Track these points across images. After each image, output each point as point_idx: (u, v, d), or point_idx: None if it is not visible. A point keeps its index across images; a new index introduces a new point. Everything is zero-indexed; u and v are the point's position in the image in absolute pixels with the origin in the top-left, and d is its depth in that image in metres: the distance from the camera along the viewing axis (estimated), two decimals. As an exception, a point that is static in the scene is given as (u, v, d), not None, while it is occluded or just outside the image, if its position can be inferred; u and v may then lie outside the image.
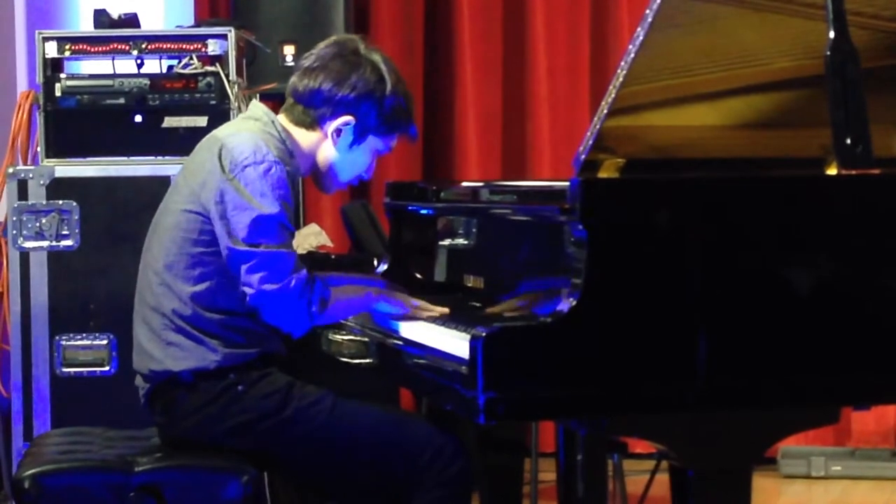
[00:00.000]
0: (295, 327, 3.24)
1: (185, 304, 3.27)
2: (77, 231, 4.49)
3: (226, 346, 3.27)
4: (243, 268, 3.20)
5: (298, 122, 3.37)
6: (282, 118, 3.39)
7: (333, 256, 4.99)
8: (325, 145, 3.38)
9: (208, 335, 3.26)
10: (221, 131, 3.39)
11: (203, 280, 3.26)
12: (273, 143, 3.30)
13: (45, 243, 4.49)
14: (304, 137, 3.38)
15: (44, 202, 4.49)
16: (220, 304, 3.26)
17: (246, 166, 3.23)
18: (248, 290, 3.20)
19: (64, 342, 4.49)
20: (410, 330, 3.27)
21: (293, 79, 3.39)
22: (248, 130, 3.32)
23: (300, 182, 5.20)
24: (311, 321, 3.24)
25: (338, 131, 3.36)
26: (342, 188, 3.52)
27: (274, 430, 3.25)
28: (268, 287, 3.18)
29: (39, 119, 4.57)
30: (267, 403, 3.26)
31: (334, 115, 3.35)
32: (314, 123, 3.36)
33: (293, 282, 3.20)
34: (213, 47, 4.58)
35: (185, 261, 3.27)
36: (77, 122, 4.56)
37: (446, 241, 3.65)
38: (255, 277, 3.19)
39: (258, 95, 4.75)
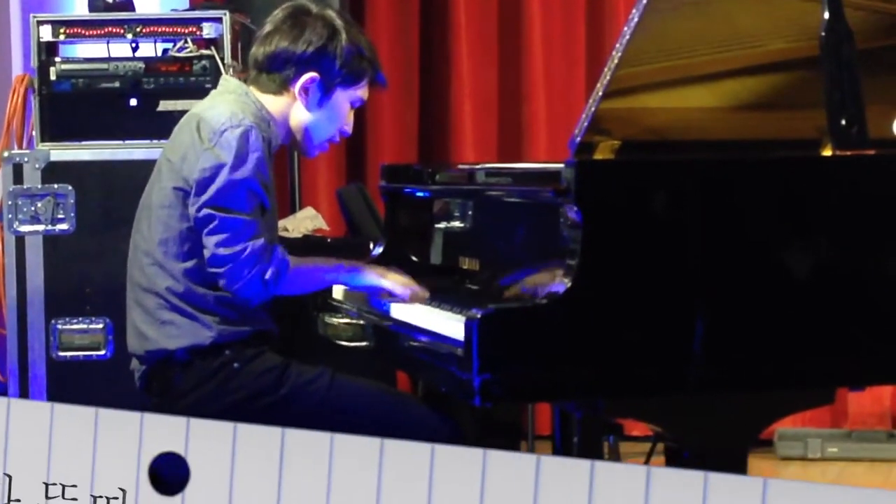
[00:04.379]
0: (250, 294, 3.27)
1: (178, 280, 3.29)
2: (72, 215, 4.48)
3: (220, 322, 3.29)
4: (205, 230, 3.24)
5: (266, 90, 3.40)
6: (252, 90, 3.40)
7: (329, 240, 4.99)
8: (295, 107, 3.40)
9: (202, 311, 3.28)
10: (198, 107, 3.42)
11: (193, 256, 3.29)
12: (250, 111, 3.33)
13: (40, 227, 4.49)
14: (275, 104, 3.39)
15: (39, 186, 4.49)
16: (211, 278, 3.28)
17: (223, 131, 3.26)
18: (205, 252, 3.24)
19: (60, 326, 4.48)
20: (406, 312, 3.27)
21: (252, 50, 3.43)
22: (225, 102, 3.35)
23: (296, 165, 5.27)
24: (267, 290, 3.26)
25: (305, 90, 3.37)
26: (324, 149, 3.52)
27: (271, 408, 3.26)
28: (222, 251, 3.22)
29: (34, 103, 4.55)
30: (263, 380, 3.27)
31: (298, 75, 3.37)
32: (280, 88, 3.38)
33: (248, 249, 3.22)
34: (208, 30, 4.57)
35: (174, 238, 3.29)
36: (72, 105, 4.54)
37: (442, 224, 3.64)
38: (212, 240, 3.23)
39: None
